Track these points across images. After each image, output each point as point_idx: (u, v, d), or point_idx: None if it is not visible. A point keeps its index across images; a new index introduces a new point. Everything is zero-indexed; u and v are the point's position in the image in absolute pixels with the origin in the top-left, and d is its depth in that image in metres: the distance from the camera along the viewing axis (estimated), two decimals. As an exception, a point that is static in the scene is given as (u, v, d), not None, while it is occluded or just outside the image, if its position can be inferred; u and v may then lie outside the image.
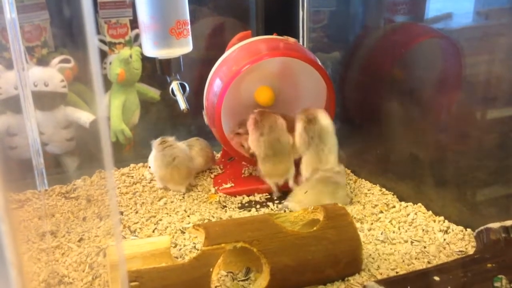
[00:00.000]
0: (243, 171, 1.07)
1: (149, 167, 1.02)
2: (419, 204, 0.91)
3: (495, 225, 0.72)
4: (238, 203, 0.97)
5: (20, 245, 0.72)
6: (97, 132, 0.36)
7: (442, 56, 0.90)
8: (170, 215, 0.91)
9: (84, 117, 1.12)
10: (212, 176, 1.09)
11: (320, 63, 0.99)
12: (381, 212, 0.90)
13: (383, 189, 0.99)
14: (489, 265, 0.66)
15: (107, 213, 0.91)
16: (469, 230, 0.81)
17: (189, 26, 0.92)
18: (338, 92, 1.03)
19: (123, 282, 0.50)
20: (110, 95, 1.18)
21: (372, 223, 0.86)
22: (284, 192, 0.97)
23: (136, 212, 0.93)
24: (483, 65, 0.79)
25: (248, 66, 0.93)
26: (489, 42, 0.79)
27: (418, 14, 0.96)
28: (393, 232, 0.83)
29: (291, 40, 1.01)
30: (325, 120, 0.95)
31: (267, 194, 1.00)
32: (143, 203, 0.97)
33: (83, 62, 1.12)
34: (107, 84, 1.18)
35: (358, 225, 0.84)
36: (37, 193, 1.00)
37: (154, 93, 1.25)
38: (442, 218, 0.86)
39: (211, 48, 1.23)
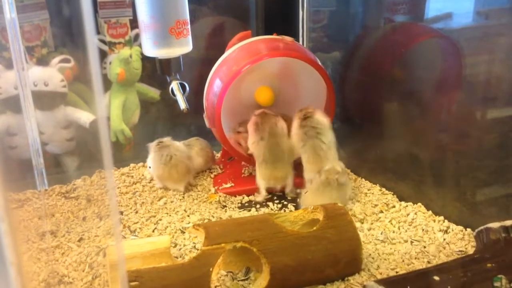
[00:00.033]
0: (243, 171, 1.07)
1: (149, 167, 1.02)
2: (419, 204, 0.91)
3: (495, 225, 0.72)
4: (238, 203, 0.97)
5: (20, 245, 0.72)
6: (97, 132, 0.36)
7: (442, 56, 0.90)
8: (170, 215, 0.91)
9: (84, 117, 1.12)
10: (212, 176, 1.09)
11: (320, 63, 0.99)
12: (381, 211, 0.90)
13: (383, 189, 0.99)
14: (489, 265, 0.66)
15: (107, 213, 0.91)
16: (469, 230, 0.81)
17: (189, 26, 0.92)
18: (338, 92, 1.03)
19: (123, 281, 0.50)
20: (110, 95, 1.18)
21: (372, 223, 0.86)
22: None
23: (136, 212, 0.93)
24: (483, 65, 0.79)
25: (248, 66, 0.93)
26: (489, 42, 0.79)
27: (418, 14, 0.96)
28: (393, 232, 0.83)
29: (288, 39, 1.01)
30: (321, 117, 0.94)
31: (266, 194, 0.99)
32: (143, 203, 0.97)
33: (83, 62, 1.12)
34: (107, 84, 1.18)
35: (358, 224, 0.84)
36: (37, 192, 1.00)
37: (154, 93, 1.25)
38: (442, 218, 0.86)
39: (211, 48, 1.23)
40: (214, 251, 0.64)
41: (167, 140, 1.02)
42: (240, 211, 0.93)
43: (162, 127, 1.26)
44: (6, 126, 1.07)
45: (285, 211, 0.93)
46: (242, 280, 0.71)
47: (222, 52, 1.04)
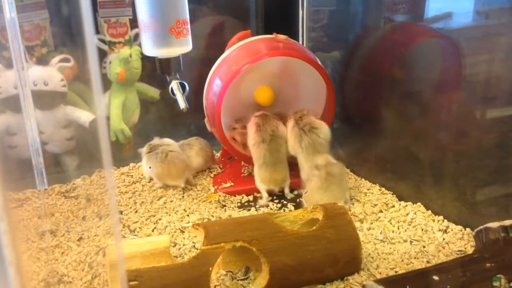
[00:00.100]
0: (242, 171, 1.07)
1: (149, 167, 1.02)
2: (419, 203, 0.91)
3: (494, 224, 0.72)
4: (238, 203, 0.97)
5: (20, 244, 0.72)
6: (96, 132, 0.36)
7: (442, 55, 0.90)
8: (170, 215, 0.91)
9: (84, 116, 1.12)
10: (212, 175, 1.09)
11: (320, 63, 0.99)
12: (381, 211, 0.90)
13: (383, 189, 0.99)
14: (488, 264, 0.66)
15: (106, 212, 0.91)
16: (468, 229, 0.81)
17: (188, 26, 0.92)
18: (337, 91, 1.03)
19: (122, 281, 0.50)
20: (110, 95, 1.18)
21: (371, 223, 0.86)
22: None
23: (136, 211, 0.93)
24: (483, 65, 0.79)
25: (248, 66, 0.93)
26: (489, 42, 0.79)
27: (418, 14, 0.96)
28: (393, 231, 0.83)
29: (281, 37, 1.00)
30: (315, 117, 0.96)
31: (267, 195, 0.99)
32: (142, 202, 0.97)
33: (83, 61, 1.12)
34: (107, 83, 1.18)
35: (357, 224, 0.84)
36: (37, 192, 1.00)
37: (154, 92, 1.25)
38: (441, 217, 0.86)
39: (210, 48, 1.23)
40: (213, 251, 0.64)
41: (156, 140, 1.02)
42: (239, 211, 0.93)
43: (162, 127, 1.26)
44: (6, 126, 1.07)
45: (284, 210, 0.93)
46: (241, 279, 0.71)
47: (222, 52, 1.04)
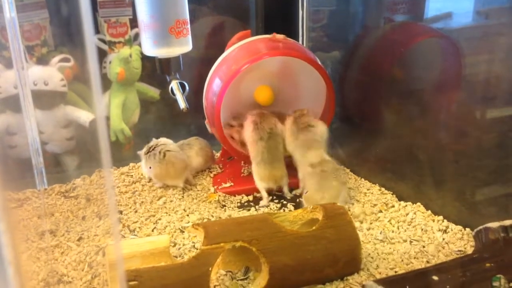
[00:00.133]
0: (242, 171, 1.07)
1: (150, 167, 1.02)
2: (418, 203, 0.91)
3: (494, 224, 0.72)
4: (238, 202, 0.97)
5: (19, 244, 0.72)
6: (96, 131, 0.36)
7: (441, 55, 0.90)
8: (170, 214, 0.91)
9: (83, 116, 1.12)
10: (212, 175, 1.09)
11: (319, 63, 0.99)
12: (380, 211, 0.90)
13: (383, 189, 0.99)
14: (487, 264, 0.66)
15: (106, 212, 0.91)
16: (468, 229, 0.81)
17: (188, 25, 0.92)
18: (337, 91, 1.03)
19: (121, 281, 0.50)
20: (110, 94, 1.18)
21: (371, 223, 0.86)
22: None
23: (136, 211, 0.93)
24: (482, 65, 0.79)
25: (248, 66, 0.93)
26: (489, 42, 0.79)
27: (417, 14, 0.96)
28: (392, 231, 0.83)
29: (279, 36, 1.00)
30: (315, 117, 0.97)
31: (267, 194, 0.99)
32: (142, 202, 0.97)
33: (83, 61, 1.12)
34: (107, 83, 1.18)
35: (357, 224, 0.84)
36: (37, 192, 1.00)
37: (154, 92, 1.25)
38: (441, 217, 0.86)
39: (210, 48, 1.23)
40: (213, 251, 0.64)
41: (154, 140, 1.02)
42: (239, 211, 0.93)
43: (161, 127, 1.26)
44: (6, 126, 1.07)
45: (284, 210, 0.93)
46: (241, 279, 0.71)
47: (222, 52, 1.04)
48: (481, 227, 0.75)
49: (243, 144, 1.00)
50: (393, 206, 0.92)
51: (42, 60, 1.13)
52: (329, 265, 0.69)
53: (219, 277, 0.71)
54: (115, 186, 1.03)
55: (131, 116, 1.20)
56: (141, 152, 1.03)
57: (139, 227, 0.87)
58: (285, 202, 0.96)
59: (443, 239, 0.80)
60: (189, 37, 0.93)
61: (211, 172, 1.10)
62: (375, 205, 0.92)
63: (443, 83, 0.88)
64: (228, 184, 1.02)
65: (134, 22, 1.19)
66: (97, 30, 1.19)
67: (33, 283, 0.71)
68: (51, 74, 1.09)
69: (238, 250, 0.69)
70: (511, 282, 0.63)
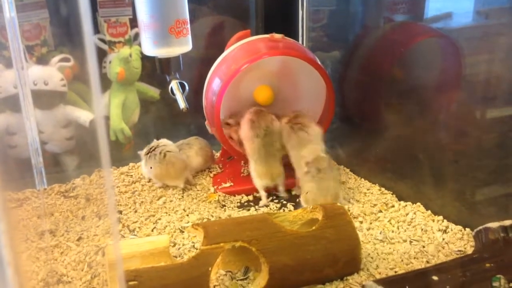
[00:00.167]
0: (242, 171, 1.07)
1: (151, 167, 1.02)
2: (418, 203, 0.91)
3: (494, 224, 0.72)
4: (237, 202, 0.97)
5: (19, 244, 0.72)
6: (96, 131, 0.35)
7: (441, 55, 0.90)
8: (169, 214, 0.91)
9: (83, 116, 1.12)
10: (211, 175, 1.09)
11: (319, 62, 0.99)
12: (380, 211, 0.90)
13: (382, 189, 0.99)
14: (487, 264, 0.66)
15: (106, 212, 0.91)
16: (468, 229, 0.81)
17: (188, 25, 0.92)
18: (337, 91, 1.03)
19: (121, 281, 0.50)
20: (110, 94, 1.18)
21: (371, 223, 0.86)
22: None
23: (135, 211, 0.93)
24: (482, 65, 0.79)
25: (247, 65, 0.93)
26: (489, 42, 0.79)
27: (417, 13, 0.96)
28: (392, 231, 0.83)
29: (277, 36, 1.00)
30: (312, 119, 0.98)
31: (267, 195, 0.99)
32: (142, 202, 0.97)
33: (83, 61, 1.12)
34: (107, 83, 1.18)
35: (357, 224, 0.84)
36: (36, 192, 1.00)
37: (153, 92, 1.25)
38: (441, 217, 0.86)
39: (210, 47, 1.23)
40: (213, 251, 0.64)
41: (155, 142, 1.03)
42: (239, 211, 0.93)
43: (161, 126, 1.26)
44: (6, 125, 1.07)
45: (284, 210, 0.93)
46: (241, 279, 0.71)
47: (222, 51, 1.03)
48: (481, 227, 0.75)
49: (241, 143, 1.00)
50: (393, 206, 0.92)
51: (42, 60, 1.13)
52: (329, 265, 0.69)
53: (219, 277, 0.71)
54: (115, 186, 1.03)
55: (131, 116, 1.20)
56: (142, 153, 1.03)
57: (139, 227, 0.87)
58: (284, 202, 0.96)
59: (443, 239, 0.80)
60: (189, 37, 0.93)
61: (211, 172, 1.10)
62: (375, 205, 0.92)
63: (443, 83, 0.88)
64: (228, 184, 1.02)
65: (134, 22, 1.19)
66: (97, 30, 1.19)
67: (33, 283, 0.71)
68: (51, 74, 1.09)
69: (238, 250, 0.69)
70: (511, 282, 0.63)
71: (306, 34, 1.21)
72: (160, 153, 0.99)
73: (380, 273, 0.71)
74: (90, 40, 0.33)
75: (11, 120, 1.07)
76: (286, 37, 1.01)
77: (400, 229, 0.84)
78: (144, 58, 1.14)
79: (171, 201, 0.97)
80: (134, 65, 1.16)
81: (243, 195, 0.99)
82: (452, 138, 0.87)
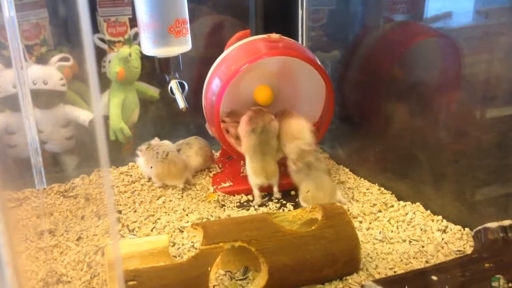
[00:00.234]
0: (241, 170, 1.07)
1: (151, 167, 1.02)
2: (418, 203, 0.91)
3: (493, 224, 0.72)
4: (237, 202, 0.97)
5: (18, 244, 0.72)
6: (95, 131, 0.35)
7: (441, 55, 0.90)
8: (169, 214, 0.91)
9: (83, 115, 1.12)
10: (211, 175, 1.09)
11: (319, 62, 0.98)
12: (380, 211, 0.90)
13: (382, 188, 0.99)
14: (487, 264, 0.66)
15: (105, 212, 0.91)
16: (467, 229, 0.81)
17: (188, 25, 0.92)
18: (337, 91, 1.03)
19: (120, 280, 0.50)
20: (110, 94, 1.18)
21: (370, 222, 0.86)
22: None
23: (135, 211, 0.93)
24: (482, 65, 0.79)
25: (247, 65, 0.93)
26: (489, 42, 0.79)
27: (417, 13, 0.96)
28: (392, 231, 0.83)
29: (274, 36, 1.00)
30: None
31: (265, 193, 0.99)
32: (141, 202, 0.97)
33: (82, 61, 1.11)
34: (107, 82, 1.18)
35: (356, 224, 0.84)
36: (36, 191, 1.00)
37: (153, 91, 1.25)
38: (440, 217, 0.86)
39: (210, 47, 1.23)
40: (212, 251, 0.64)
41: (155, 140, 1.02)
42: (238, 210, 0.93)
43: (161, 126, 1.26)
44: (5, 125, 1.07)
45: (283, 210, 0.93)
46: (240, 279, 0.71)
47: (221, 51, 1.03)
48: (480, 227, 0.75)
49: (238, 138, 1.00)
50: (392, 206, 0.92)
51: (42, 59, 1.13)
52: (328, 265, 0.68)
53: (218, 277, 0.71)
54: (114, 185, 1.03)
55: (130, 115, 1.20)
56: (141, 148, 1.02)
57: (138, 227, 0.87)
58: (284, 202, 0.96)
59: (442, 239, 0.80)
60: (189, 36, 0.93)
61: (210, 171, 1.10)
62: (374, 204, 0.92)
63: (443, 83, 0.88)
64: (227, 184, 1.02)
65: (133, 22, 1.19)
66: (97, 30, 1.19)
67: (32, 283, 0.71)
68: (50, 73, 1.09)
69: (237, 250, 0.69)
70: (510, 282, 0.63)
71: (305, 33, 1.21)
72: (163, 152, 0.99)
73: (379, 273, 0.71)
74: (89, 39, 0.33)
75: (11, 119, 1.07)
76: (284, 37, 1.01)
77: (399, 229, 0.84)
78: (144, 57, 1.14)
79: (170, 200, 0.97)
80: (134, 65, 1.16)
81: (242, 195, 0.99)
82: (452, 138, 0.87)
